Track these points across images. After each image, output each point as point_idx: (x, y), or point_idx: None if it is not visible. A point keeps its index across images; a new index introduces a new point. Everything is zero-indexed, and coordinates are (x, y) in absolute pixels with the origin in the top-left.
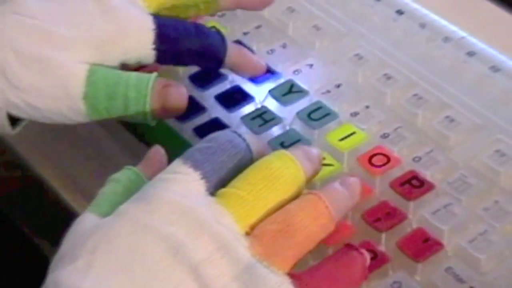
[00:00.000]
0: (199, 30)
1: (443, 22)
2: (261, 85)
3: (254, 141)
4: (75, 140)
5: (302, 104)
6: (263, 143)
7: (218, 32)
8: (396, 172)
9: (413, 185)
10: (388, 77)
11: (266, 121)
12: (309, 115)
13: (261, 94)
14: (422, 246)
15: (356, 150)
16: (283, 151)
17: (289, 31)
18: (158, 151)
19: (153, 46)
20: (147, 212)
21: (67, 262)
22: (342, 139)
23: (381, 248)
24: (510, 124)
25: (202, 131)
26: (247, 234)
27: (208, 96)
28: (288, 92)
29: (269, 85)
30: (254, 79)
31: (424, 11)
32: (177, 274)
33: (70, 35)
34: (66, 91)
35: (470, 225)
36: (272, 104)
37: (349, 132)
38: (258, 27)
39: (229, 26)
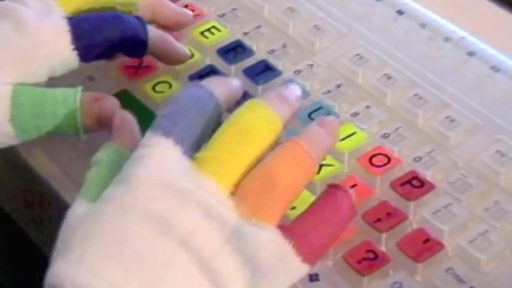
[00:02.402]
0: (117, 17)
1: (443, 22)
2: (261, 85)
3: (217, 85)
4: (75, 140)
5: (303, 104)
6: (228, 85)
7: (138, 17)
8: (397, 172)
9: (414, 185)
10: (388, 77)
11: None
12: (309, 115)
13: (261, 94)
14: (423, 246)
15: (356, 150)
16: (254, 100)
17: (289, 31)
18: (125, 119)
19: (73, 47)
20: (128, 193)
21: (62, 254)
22: (343, 139)
23: (382, 248)
24: (510, 124)
25: None
26: (232, 193)
27: None
28: None
29: (270, 85)
30: (255, 79)
31: (424, 11)
32: (168, 249)
33: None
34: None
35: (471, 225)
36: None
37: (349, 132)
38: (258, 27)
39: (229, 26)
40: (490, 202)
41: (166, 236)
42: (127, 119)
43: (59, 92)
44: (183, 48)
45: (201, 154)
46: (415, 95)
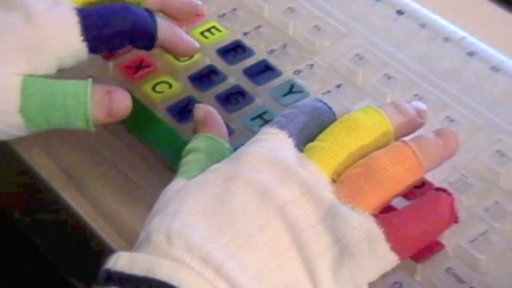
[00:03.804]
0: (126, 9)
1: (443, 22)
2: (261, 85)
3: (337, 106)
4: (75, 140)
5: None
6: (347, 108)
7: (147, 10)
8: None
9: (414, 185)
10: (388, 77)
11: (266, 122)
12: None
13: (261, 94)
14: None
15: None
16: (369, 105)
17: (289, 31)
18: (208, 111)
19: (82, 38)
20: (236, 166)
21: (158, 212)
22: None
23: None
24: (510, 124)
25: None
26: (334, 181)
27: (208, 96)
28: (289, 92)
29: (270, 85)
30: (255, 79)
31: (424, 11)
32: (264, 215)
33: None
34: (1, 106)
35: (470, 225)
36: (272, 105)
37: None
38: (258, 27)
39: (229, 26)
40: (490, 202)
41: (264, 203)
42: (210, 110)
43: (69, 84)
44: (192, 40)
45: (310, 144)
46: (415, 95)
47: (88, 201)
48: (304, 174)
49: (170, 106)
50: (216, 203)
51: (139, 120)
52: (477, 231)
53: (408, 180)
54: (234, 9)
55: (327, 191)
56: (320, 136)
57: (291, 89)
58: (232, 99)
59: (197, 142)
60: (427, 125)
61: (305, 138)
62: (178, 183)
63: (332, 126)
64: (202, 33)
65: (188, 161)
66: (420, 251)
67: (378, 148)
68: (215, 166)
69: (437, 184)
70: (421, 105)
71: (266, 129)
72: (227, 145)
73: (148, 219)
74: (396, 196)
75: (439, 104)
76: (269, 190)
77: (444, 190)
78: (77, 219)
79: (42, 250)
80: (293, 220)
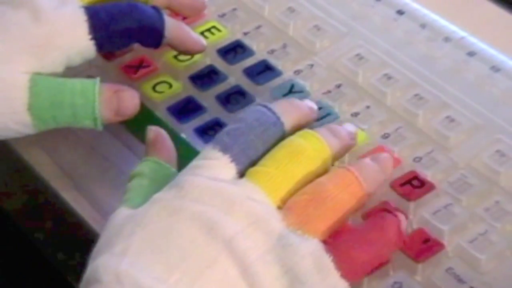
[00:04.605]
0: (134, 7)
1: (443, 22)
2: (261, 85)
3: (286, 110)
4: (75, 140)
5: None
6: (298, 111)
7: (154, 7)
8: (397, 173)
9: (414, 185)
10: (388, 77)
11: None
12: None
13: (261, 94)
14: (423, 246)
15: (356, 150)
16: (306, 130)
17: (289, 31)
18: (158, 133)
19: (90, 36)
20: (178, 197)
21: (105, 250)
22: None
23: None
24: (510, 124)
25: (202, 131)
26: (279, 208)
27: (208, 96)
28: (289, 92)
29: (270, 85)
30: (255, 79)
31: (424, 11)
32: (212, 250)
33: (5, 48)
34: (10, 104)
35: (471, 225)
36: None
37: None
38: (258, 27)
39: (229, 26)
40: (490, 202)
41: (211, 237)
42: (161, 133)
43: (78, 83)
44: (200, 38)
45: (253, 169)
46: (415, 95)
47: (88, 201)
48: (250, 204)
49: (170, 106)
50: (162, 239)
51: (139, 120)
52: (477, 231)
53: (352, 204)
54: (234, 9)
55: (275, 220)
56: (263, 161)
57: (291, 89)
58: (232, 99)
59: (142, 167)
60: (427, 125)
61: (248, 160)
62: (121, 212)
63: (273, 151)
64: (202, 33)
65: (132, 187)
66: (420, 251)
67: (319, 173)
68: (157, 195)
69: (436, 183)
70: (352, 127)
71: (208, 152)
72: (173, 169)
73: (94, 253)
74: (341, 220)
75: (439, 104)
76: (215, 223)
77: (389, 211)
78: (77, 219)
79: (42, 252)
80: (241, 254)
